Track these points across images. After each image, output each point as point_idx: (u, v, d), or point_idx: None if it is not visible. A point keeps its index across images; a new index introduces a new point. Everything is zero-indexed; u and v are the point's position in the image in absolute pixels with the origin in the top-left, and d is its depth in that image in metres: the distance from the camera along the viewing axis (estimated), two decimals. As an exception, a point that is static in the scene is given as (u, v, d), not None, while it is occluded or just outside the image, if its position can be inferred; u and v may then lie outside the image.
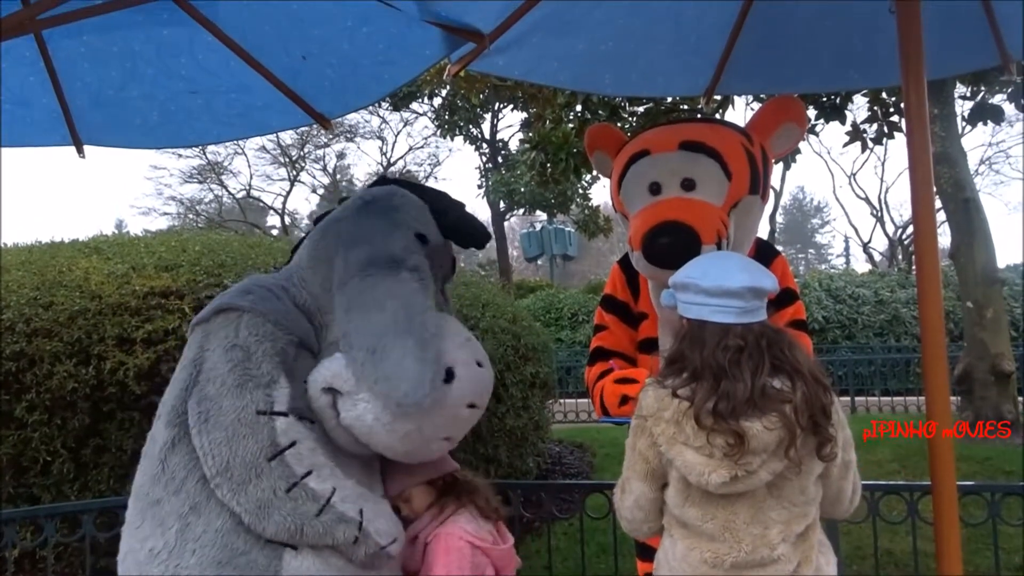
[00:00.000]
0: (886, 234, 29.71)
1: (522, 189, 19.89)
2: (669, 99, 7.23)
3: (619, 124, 7.72)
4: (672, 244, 2.04)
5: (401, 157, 30.47)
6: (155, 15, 2.65)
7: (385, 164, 30.08)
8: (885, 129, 7.77)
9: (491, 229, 23.64)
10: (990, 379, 6.86)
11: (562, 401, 9.73)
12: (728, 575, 1.64)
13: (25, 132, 3.17)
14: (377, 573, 1.88)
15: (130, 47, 2.81)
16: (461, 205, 2.14)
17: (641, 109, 7.43)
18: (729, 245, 2.12)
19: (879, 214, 29.08)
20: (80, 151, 3.22)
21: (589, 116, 7.53)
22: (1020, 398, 7.28)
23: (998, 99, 6.73)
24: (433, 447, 1.88)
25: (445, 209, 2.10)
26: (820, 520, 1.77)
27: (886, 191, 37.28)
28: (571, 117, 7.70)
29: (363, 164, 67.74)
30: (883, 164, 29.71)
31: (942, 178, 7.15)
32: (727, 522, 1.65)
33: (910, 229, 27.51)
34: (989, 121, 7.00)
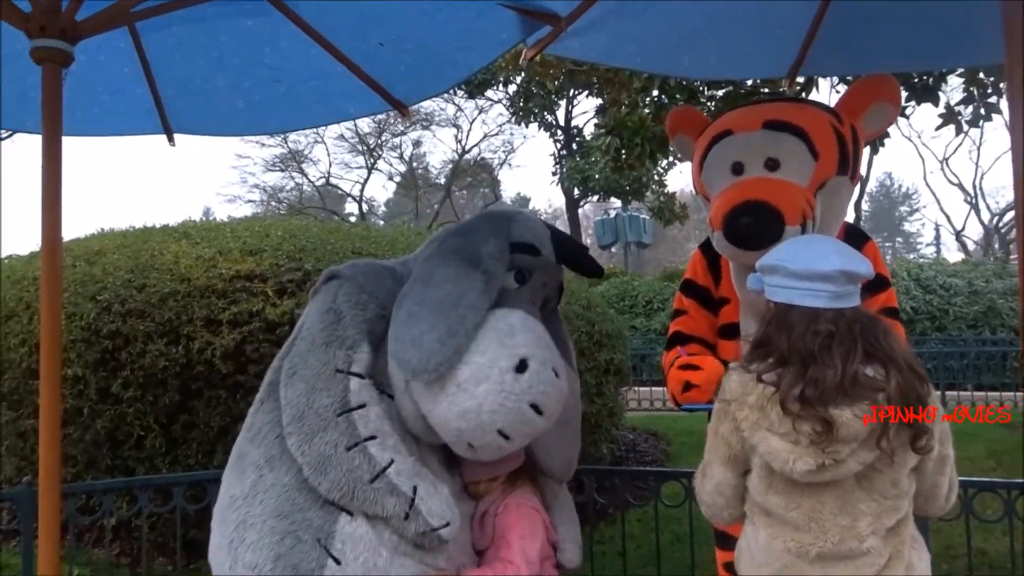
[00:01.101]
0: (981, 222, 28.27)
1: (596, 176, 19.74)
2: (749, 82, 7.04)
3: (698, 108, 7.53)
4: (754, 224, 1.99)
5: (476, 144, 30.67)
6: (240, 6, 2.74)
7: (460, 152, 30.33)
8: (982, 111, 7.35)
9: (565, 216, 23.55)
10: None
11: (636, 389, 9.65)
12: (813, 567, 1.59)
13: (120, 121, 3.32)
14: (432, 558, 1.91)
15: (217, 38, 2.91)
16: (583, 248, 2.29)
17: (720, 92, 7.24)
18: (815, 227, 2.04)
19: (974, 201, 27.70)
20: (171, 139, 3.36)
21: (666, 100, 7.38)
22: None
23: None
24: (488, 437, 1.83)
25: (564, 237, 2.22)
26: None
27: (981, 177, 35.44)
28: (647, 102, 7.57)
29: (439, 152, 68.46)
30: (979, 149, 28.31)
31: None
32: (813, 511, 1.60)
33: (1008, 216, 26.16)
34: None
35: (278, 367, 2.00)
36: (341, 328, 1.94)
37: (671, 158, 14.72)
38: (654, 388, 9.57)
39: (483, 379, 1.79)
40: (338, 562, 1.79)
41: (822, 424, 1.51)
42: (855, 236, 2.25)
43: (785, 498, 1.63)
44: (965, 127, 8.30)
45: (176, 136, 3.35)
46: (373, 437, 1.86)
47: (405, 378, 1.86)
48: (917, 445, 1.57)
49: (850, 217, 2.49)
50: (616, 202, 24.49)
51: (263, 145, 28.47)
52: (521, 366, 1.81)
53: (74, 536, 3.85)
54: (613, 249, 26.70)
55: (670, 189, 20.90)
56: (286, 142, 28.25)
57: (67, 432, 3.90)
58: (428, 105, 27.47)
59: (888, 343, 1.60)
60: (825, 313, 1.60)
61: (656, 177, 19.57)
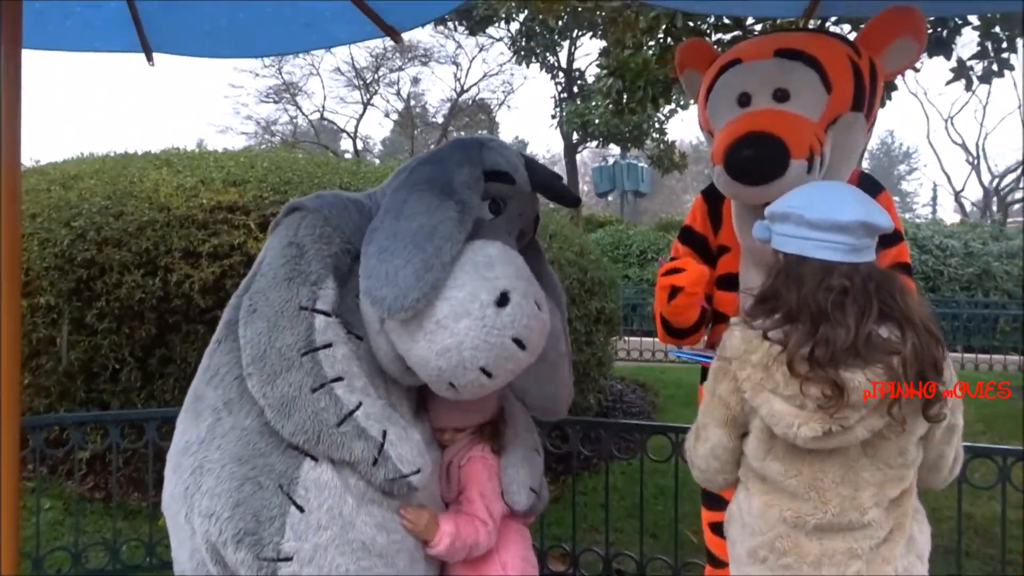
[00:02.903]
0: (981, 183, 28.03)
1: (597, 120, 19.41)
2: (759, 27, 6.81)
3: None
4: (756, 156, 1.83)
5: (475, 84, 30.15)
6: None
7: (459, 90, 29.75)
8: (994, 67, 7.14)
9: (563, 162, 23.26)
10: None
11: (627, 339, 9.60)
12: (809, 538, 1.50)
13: (95, 36, 3.11)
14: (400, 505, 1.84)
15: (198, -53, 2.70)
16: (555, 172, 2.17)
17: (728, 37, 7.03)
18: (824, 164, 1.90)
19: (975, 161, 27.41)
20: (149, 58, 3.16)
21: (671, 43, 7.16)
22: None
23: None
24: (470, 375, 1.71)
25: (538, 165, 2.10)
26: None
27: (985, 137, 35.04)
28: (652, 44, 7.33)
29: (437, 90, 67.33)
30: (984, 108, 27.87)
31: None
32: (813, 480, 1.50)
33: (1009, 178, 26.12)
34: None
35: (237, 304, 1.88)
36: (304, 263, 1.82)
37: (673, 104, 14.43)
38: (644, 339, 9.52)
39: (463, 314, 1.69)
40: (301, 509, 1.69)
41: (832, 388, 1.39)
42: (869, 184, 2.09)
43: (785, 464, 1.52)
44: (975, 83, 8.06)
45: (157, 56, 3.16)
46: (340, 378, 1.75)
47: (380, 316, 1.75)
48: (929, 413, 1.46)
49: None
50: (614, 149, 24.17)
51: (256, 75, 27.90)
52: (502, 299, 1.71)
53: (48, 469, 3.78)
54: (610, 197, 26.50)
55: (670, 137, 20.62)
56: (280, 73, 27.68)
57: (39, 362, 3.80)
58: (427, 40, 26.95)
59: (905, 301, 1.48)
60: (839, 267, 1.47)
61: (657, 124, 19.26)
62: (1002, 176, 26.81)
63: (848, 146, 2.00)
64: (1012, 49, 7.15)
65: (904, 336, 1.43)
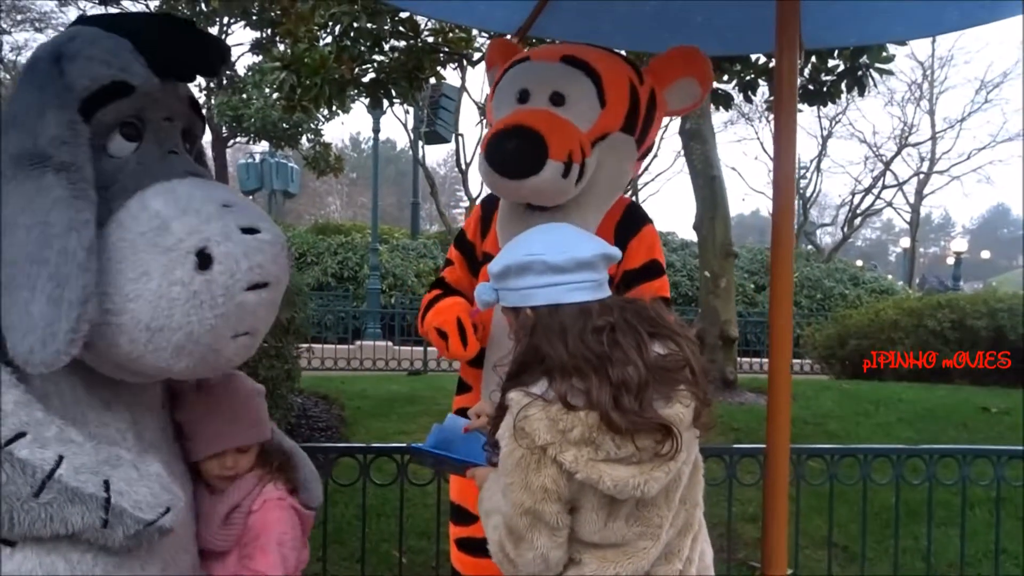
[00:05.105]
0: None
1: (251, 116, 18.36)
2: (432, 38, 6.90)
3: (379, 58, 7.26)
4: (516, 149, 1.84)
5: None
6: None
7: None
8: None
9: (211, 154, 21.67)
10: (718, 343, 7.42)
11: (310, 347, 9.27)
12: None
13: None
14: (140, 566, 1.45)
15: None
16: (183, 25, 1.54)
17: (403, 44, 7.03)
18: (585, 177, 1.93)
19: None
20: None
21: (348, 44, 6.98)
22: (739, 359, 8.15)
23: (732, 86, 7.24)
24: (228, 348, 1.42)
25: (155, 40, 1.48)
26: None
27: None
28: (329, 41, 7.08)
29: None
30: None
31: (694, 154, 7.60)
32: (651, 520, 1.42)
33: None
34: (720, 106, 7.64)
35: None
36: None
37: (344, 108, 14.19)
38: (314, 345, 9.20)
39: (171, 306, 1.32)
40: None
41: (661, 431, 1.32)
42: (637, 215, 2.15)
43: (627, 521, 1.41)
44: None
45: None
46: (21, 434, 1.33)
47: (37, 371, 1.33)
48: (702, 420, 1.43)
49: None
50: (260, 147, 23.11)
51: None
52: (203, 260, 1.33)
53: None
54: (256, 197, 25.30)
55: (326, 139, 20.32)
56: None
57: None
58: (43, 3, 23.08)
59: (659, 314, 1.45)
60: (592, 307, 1.40)
61: (314, 124, 18.85)
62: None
63: (616, 168, 2.06)
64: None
65: (680, 346, 1.41)
